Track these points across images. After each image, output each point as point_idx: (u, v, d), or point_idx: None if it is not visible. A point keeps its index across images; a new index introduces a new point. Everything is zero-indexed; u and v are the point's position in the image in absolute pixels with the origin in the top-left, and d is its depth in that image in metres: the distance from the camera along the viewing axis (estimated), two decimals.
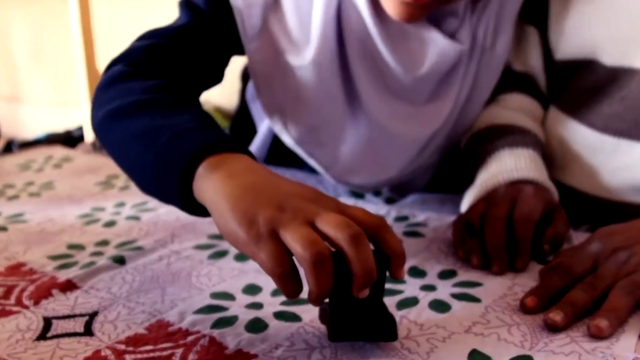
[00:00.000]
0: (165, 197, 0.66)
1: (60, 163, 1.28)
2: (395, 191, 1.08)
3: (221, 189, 0.57)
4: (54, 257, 0.80)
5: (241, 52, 0.91)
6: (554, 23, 1.00)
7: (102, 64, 2.16)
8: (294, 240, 0.51)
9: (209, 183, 0.58)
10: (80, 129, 2.31)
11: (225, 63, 0.91)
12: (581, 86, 0.97)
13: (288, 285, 0.53)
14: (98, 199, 1.04)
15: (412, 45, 0.89)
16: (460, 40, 0.91)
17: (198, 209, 0.61)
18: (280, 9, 0.89)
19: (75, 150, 1.41)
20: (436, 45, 0.89)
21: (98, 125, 0.76)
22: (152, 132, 0.66)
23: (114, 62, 0.84)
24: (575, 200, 0.96)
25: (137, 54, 0.83)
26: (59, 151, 1.38)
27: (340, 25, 0.88)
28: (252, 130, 1.15)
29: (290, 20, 0.88)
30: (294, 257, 0.52)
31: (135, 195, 1.04)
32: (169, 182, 0.62)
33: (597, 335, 0.58)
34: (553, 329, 0.60)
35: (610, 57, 0.94)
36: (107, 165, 1.24)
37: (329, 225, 0.52)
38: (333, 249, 0.52)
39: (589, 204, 0.96)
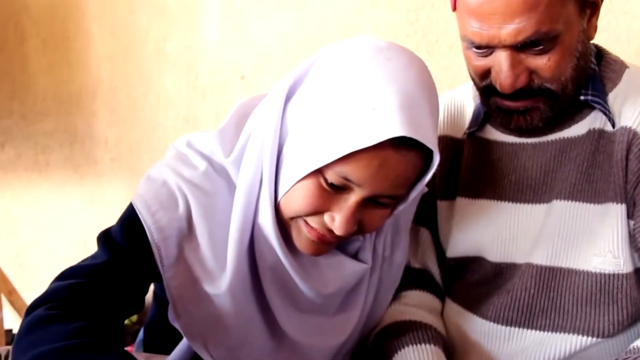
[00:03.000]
0: None
1: None
2: None
3: None
4: None
5: (159, 279, 0.95)
6: (442, 225, 1.13)
7: (3, 262, 2.15)
8: None
9: None
10: None
11: (145, 291, 0.96)
12: (472, 280, 1.09)
13: None
14: None
15: (322, 272, 0.98)
16: (364, 259, 1.01)
17: None
18: (195, 239, 0.94)
19: None
20: (343, 268, 0.99)
21: None
22: None
23: (35, 305, 0.86)
24: None
25: (59, 295, 0.86)
26: None
27: (254, 255, 0.95)
28: (168, 336, 1.17)
29: (204, 250, 0.94)
30: None
31: None
32: None
33: None
34: None
35: (494, 255, 1.06)
36: None
37: None
38: None
39: None
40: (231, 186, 0.96)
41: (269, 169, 0.91)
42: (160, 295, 1.27)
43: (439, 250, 1.15)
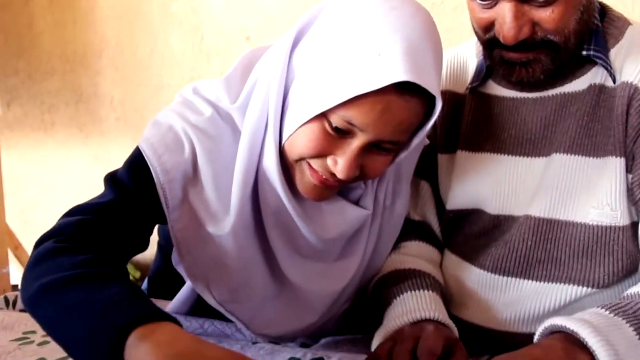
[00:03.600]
0: (94, 349, 0.71)
1: None
2: (309, 337, 1.14)
3: (150, 358, 0.64)
4: None
5: (164, 221, 0.98)
6: (442, 178, 1.15)
7: (9, 218, 2.17)
8: None
9: (138, 353, 0.66)
10: None
11: (150, 232, 0.98)
12: (471, 231, 1.11)
13: None
14: (16, 356, 1.04)
15: (324, 216, 1.00)
16: (365, 206, 1.03)
17: None
18: (200, 183, 0.96)
19: None
20: (344, 214, 1.01)
21: (29, 299, 0.81)
22: (84, 306, 0.73)
23: (43, 239, 0.88)
24: (473, 333, 1.06)
25: (67, 230, 0.88)
26: None
27: (258, 200, 0.97)
28: (171, 285, 1.19)
29: (209, 193, 0.96)
30: None
31: (56, 351, 1.05)
32: (102, 353, 0.68)
33: None
34: None
35: (493, 207, 1.08)
36: (22, 320, 1.24)
37: None
38: None
39: (485, 336, 1.06)
40: (236, 132, 0.98)
41: (275, 112, 0.93)
42: (164, 246, 1.30)
43: (439, 203, 1.17)
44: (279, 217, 0.98)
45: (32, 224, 2.34)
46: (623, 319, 0.84)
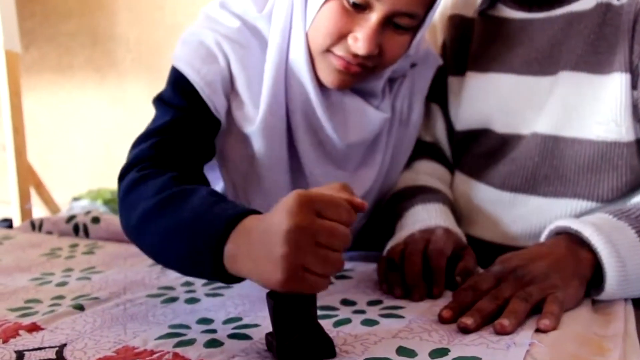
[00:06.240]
0: (201, 270, 0.73)
1: (0, 241, 1.32)
2: None
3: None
4: (14, 309, 0.86)
5: (217, 128, 1.01)
6: (452, 101, 1.18)
7: (30, 159, 2.22)
8: None
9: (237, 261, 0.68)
10: (6, 221, 2.33)
11: (213, 139, 1.01)
12: (479, 151, 1.14)
13: None
14: (46, 267, 1.10)
15: (347, 117, 1.04)
16: (383, 111, 1.07)
17: (230, 277, 0.70)
18: (235, 89, 1.00)
19: (13, 230, 1.46)
20: (365, 114, 1.05)
21: (131, 231, 0.84)
22: (175, 229, 0.75)
23: (125, 171, 0.91)
24: (482, 249, 1.10)
25: (143, 156, 0.91)
26: None
27: (287, 98, 1.01)
28: None
29: (244, 98, 1.00)
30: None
31: (82, 263, 1.11)
32: (206, 268, 0.70)
33: (500, 332, 0.71)
34: (465, 331, 0.72)
35: (500, 126, 1.11)
36: (48, 240, 1.30)
37: None
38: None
39: (494, 251, 1.09)
40: (263, 44, 1.01)
41: (301, 1, 0.97)
42: None
43: (449, 126, 1.20)
44: (306, 117, 1.02)
45: (50, 166, 2.38)
46: (625, 222, 0.86)
